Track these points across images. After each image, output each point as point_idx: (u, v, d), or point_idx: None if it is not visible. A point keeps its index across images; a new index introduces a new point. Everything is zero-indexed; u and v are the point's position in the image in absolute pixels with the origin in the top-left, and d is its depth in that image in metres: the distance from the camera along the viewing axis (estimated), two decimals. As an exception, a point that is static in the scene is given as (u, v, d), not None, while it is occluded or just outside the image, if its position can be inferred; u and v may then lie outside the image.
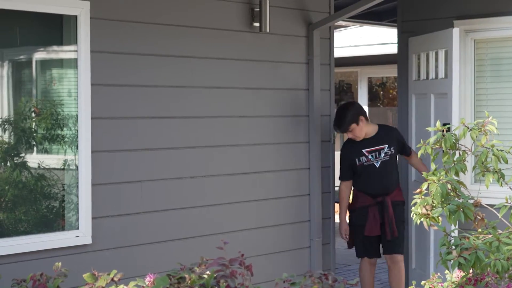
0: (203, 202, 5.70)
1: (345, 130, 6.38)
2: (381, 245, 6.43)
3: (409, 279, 6.92)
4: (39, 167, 4.90)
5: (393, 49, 9.92)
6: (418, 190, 3.82)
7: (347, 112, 6.37)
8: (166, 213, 5.46)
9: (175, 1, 5.54)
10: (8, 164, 4.80)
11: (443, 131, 3.80)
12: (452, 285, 3.77)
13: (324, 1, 6.64)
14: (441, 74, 6.77)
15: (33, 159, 4.89)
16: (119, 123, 5.22)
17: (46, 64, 5.11)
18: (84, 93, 4.97)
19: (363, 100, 14.86)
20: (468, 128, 3.76)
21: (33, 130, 4.94)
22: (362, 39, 14.04)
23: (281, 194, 6.26)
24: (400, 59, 7.62)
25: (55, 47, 5.15)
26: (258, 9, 6.02)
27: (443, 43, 6.67)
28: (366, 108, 14.72)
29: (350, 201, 6.49)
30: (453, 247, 3.57)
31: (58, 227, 4.98)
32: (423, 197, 3.75)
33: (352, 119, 6.34)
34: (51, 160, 4.97)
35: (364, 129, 6.39)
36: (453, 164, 3.74)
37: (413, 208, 3.81)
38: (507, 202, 3.69)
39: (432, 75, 6.99)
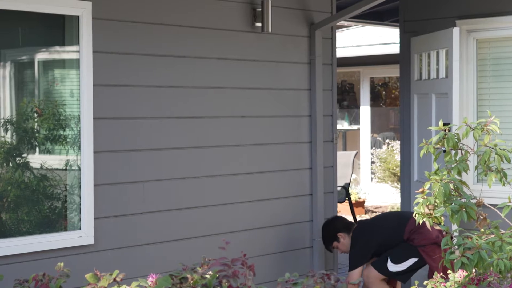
0: (205, 202, 5.70)
1: (330, 250, 6.43)
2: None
3: (412, 279, 6.91)
4: (41, 167, 4.91)
5: (395, 49, 9.91)
6: (420, 190, 3.81)
7: (325, 233, 6.35)
8: (168, 213, 5.46)
9: (177, 2, 5.54)
10: (11, 164, 4.81)
11: (445, 130, 3.79)
12: (454, 285, 3.77)
13: (326, 1, 6.64)
14: (442, 74, 6.77)
15: (36, 159, 4.90)
16: (122, 123, 5.22)
17: (48, 65, 5.11)
18: (86, 93, 4.97)
19: (365, 100, 14.86)
20: (470, 127, 3.76)
21: (35, 130, 4.95)
22: (364, 39, 14.05)
23: (284, 194, 6.26)
24: (402, 59, 7.62)
25: (57, 48, 5.15)
26: (260, 9, 6.02)
27: (443, 43, 6.67)
28: (368, 109, 14.72)
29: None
30: (456, 246, 3.57)
31: (61, 228, 4.98)
32: (425, 196, 3.74)
33: (331, 239, 6.31)
34: (53, 161, 4.98)
35: (348, 242, 6.25)
36: (455, 164, 3.74)
37: (415, 208, 3.80)
38: (509, 202, 3.68)
39: (433, 75, 6.99)
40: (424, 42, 7.12)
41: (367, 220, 6.57)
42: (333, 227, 6.34)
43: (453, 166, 3.75)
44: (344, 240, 6.28)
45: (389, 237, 6.13)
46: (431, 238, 5.98)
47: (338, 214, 6.71)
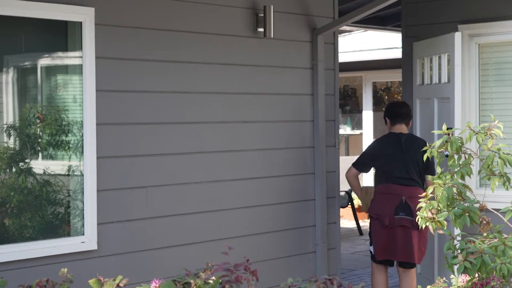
0: (208, 207, 5.69)
1: None
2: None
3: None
4: (44, 173, 4.91)
5: (397, 53, 9.92)
6: (423, 194, 3.82)
7: (385, 107, 6.82)
8: (171, 219, 5.45)
9: (179, 7, 5.55)
10: (14, 170, 4.81)
11: (448, 134, 3.79)
12: (457, 290, 3.76)
13: (328, 6, 6.65)
14: (444, 79, 6.77)
15: (38, 165, 4.90)
16: (124, 129, 5.22)
17: (51, 70, 5.11)
18: (89, 99, 4.98)
19: (367, 105, 14.86)
20: (474, 131, 3.76)
21: (38, 136, 4.95)
22: (366, 44, 14.06)
23: (286, 199, 6.25)
24: (404, 64, 7.62)
25: (60, 53, 5.16)
26: (262, 15, 6.02)
27: (445, 48, 6.68)
28: (370, 113, 14.73)
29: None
30: (459, 251, 3.56)
31: (64, 233, 4.98)
32: (428, 201, 3.74)
33: (384, 115, 6.69)
34: (56, 166, 4.98)
35: (387, 130, 6.63)
36: (458, 168, 3.74)
37: (418, 212, 3.81)
38: (512, 206, 3.68)
39: (435, 79, 6.99)
40: (426, 47, 7.12)
41: (391, 144, 6.50)
42: (387, 110, 6.67)
43: (456, 170, 3.75)
44: (387, 126, 6.63)
45: (380, 172, 6.53)
46: (376, 210, 6.34)
47: (401, 102, 7.05)
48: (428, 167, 6.27)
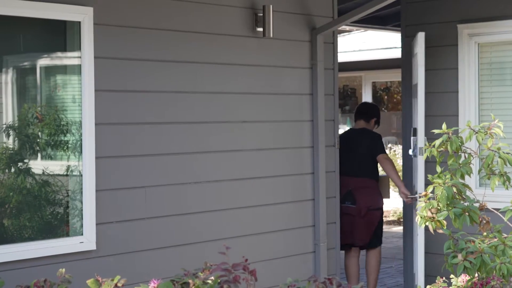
0: (207, 207, 5.69)
1: None
2: None
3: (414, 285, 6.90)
4: (43, 173, 4.90)
5: (397, 53, 9.91)
6: (423, 193, 3.81)
7: None
8: (170, 219, 5.45)
9: (178, 7, 5.54)
10: (12, 170, 4.80)
11: (448, 134, 3.79)
12: (457, 289, 3.75)
13: (328, 5, 6.64)
14: (416, 79, 6.86)
15: (37, 165, 4.89)
16: (123, 129, 5.21)
17: (50, 70, 5.11)
18: (88, 99, 4.97)
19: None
20: (474, 131, 3.75)
21: (37, 136, 4.94)
22: (366, 44, 14.06)
23: (286, 199, 6.25)
24: (403, 64, 7.61)
25: (58, 53, 5.15)
26: (261, 14, 6.02)
27: (416, 48, 6.73)
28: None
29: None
30: (459, 250, 3.56)
31: (63, 233, 4.97)
32: (428, 200, 3.74)
33: None
34: (55, 166, 4.97)
35: None
36: (458, 167, 3.73)
37: (418, 211, 3.80)
38: (512, 206, 3.67)
39: (414, 80, 7.08)
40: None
41: (344, 139, 7.15)
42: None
43: (456, 169, 3.75)
44: None
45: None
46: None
47: (368, 102, 8.18)
48: (374, 150, 7.05)
